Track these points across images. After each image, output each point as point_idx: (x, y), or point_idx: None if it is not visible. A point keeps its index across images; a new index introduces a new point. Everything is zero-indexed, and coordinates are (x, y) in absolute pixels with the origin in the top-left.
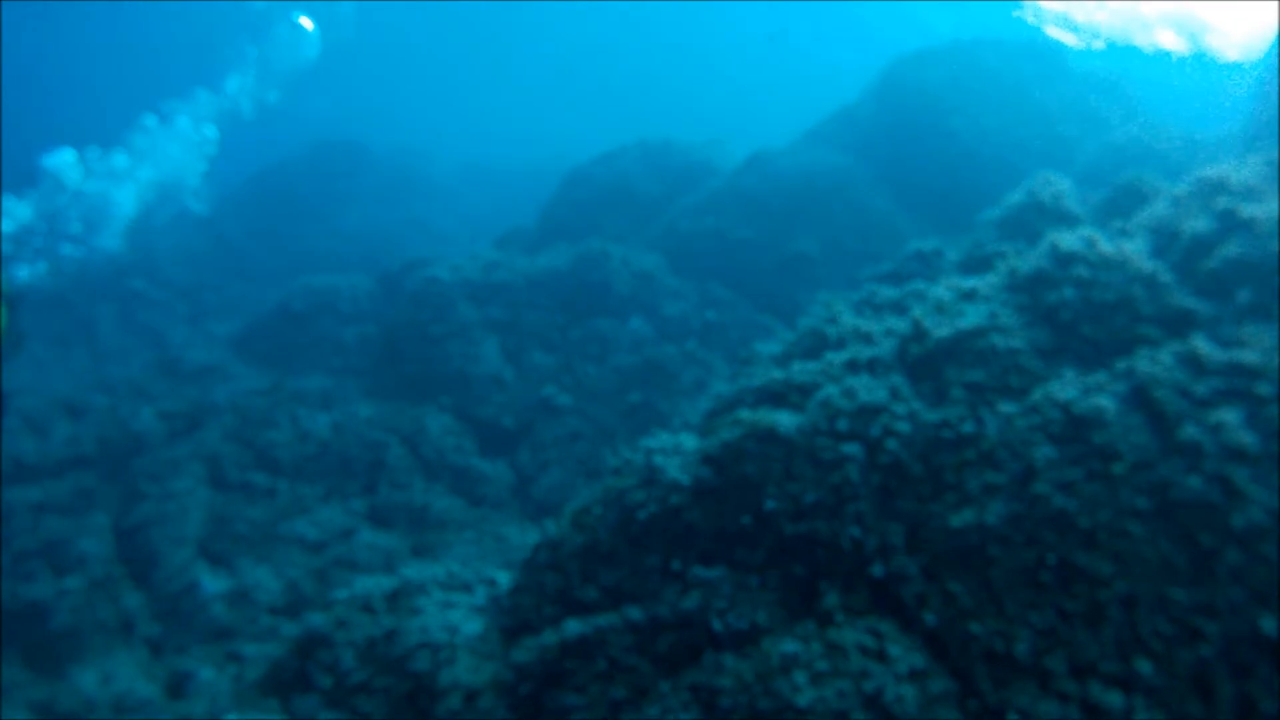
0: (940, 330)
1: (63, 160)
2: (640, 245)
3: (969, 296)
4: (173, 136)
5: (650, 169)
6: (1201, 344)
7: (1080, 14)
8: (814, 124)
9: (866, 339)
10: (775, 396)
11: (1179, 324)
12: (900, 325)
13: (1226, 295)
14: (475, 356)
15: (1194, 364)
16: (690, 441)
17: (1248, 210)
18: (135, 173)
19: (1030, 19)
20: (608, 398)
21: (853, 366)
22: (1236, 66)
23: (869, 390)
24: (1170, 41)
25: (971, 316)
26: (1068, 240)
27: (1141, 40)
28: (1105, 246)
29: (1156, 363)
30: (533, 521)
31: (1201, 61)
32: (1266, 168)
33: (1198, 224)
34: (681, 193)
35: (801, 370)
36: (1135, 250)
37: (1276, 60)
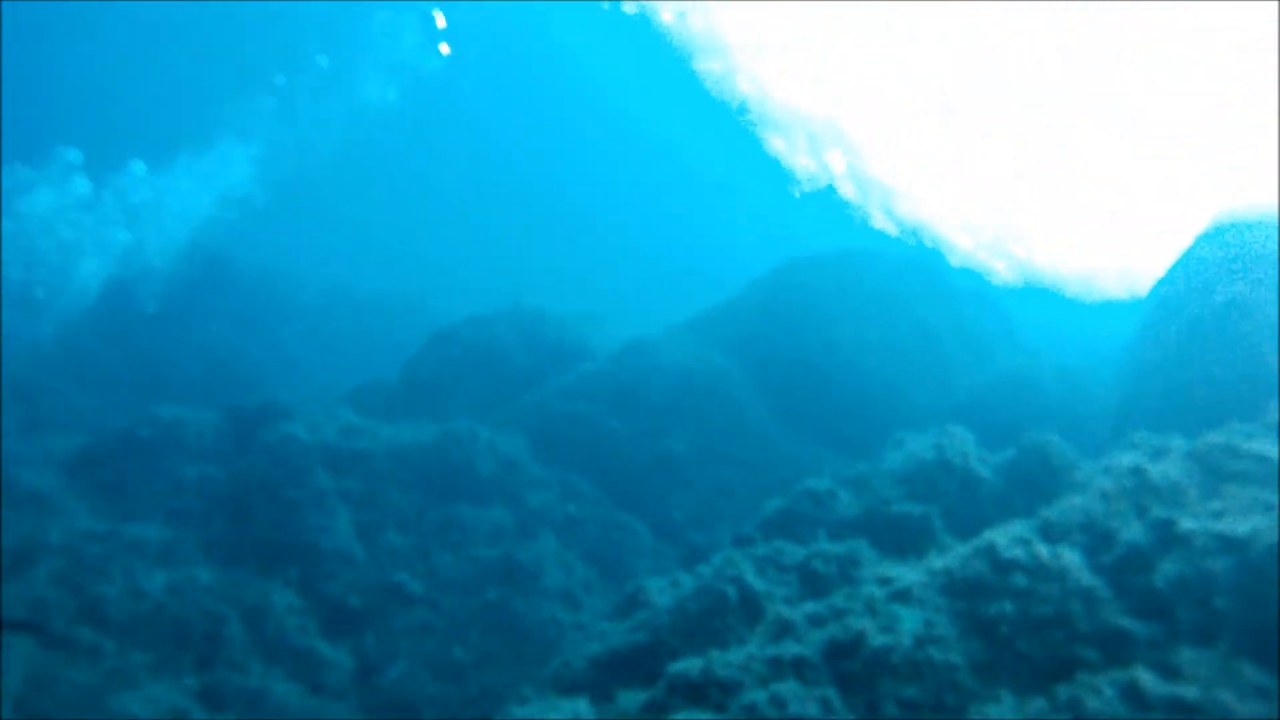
0: (875, 639)
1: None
2: (506, 421)
3: (901, 597)
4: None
5: (522, 338)
6: (1143, 675)
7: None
8: (695, 314)
9: (786, 628)
10: (694, 689)
11: (1118, 645)
12: (824, 612)
13: (1165, 615)
14: (328, 529)
15: (1136, 698)
16: (587, 712)
17: (1184, 524)
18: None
19: (917, 240)
20: (463, 590)
21: (777, 665)
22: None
23: (799, 701)
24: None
25: (907, 623)
26: (1006, 545)
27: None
28: (1043, 553)
29: (1098, 694)
30: None
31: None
32: (1187, 461)
33: (1132, 533)
34: (553, 367)
35: (723, 663)
36: (1072, 561)
37: (1159, 300)
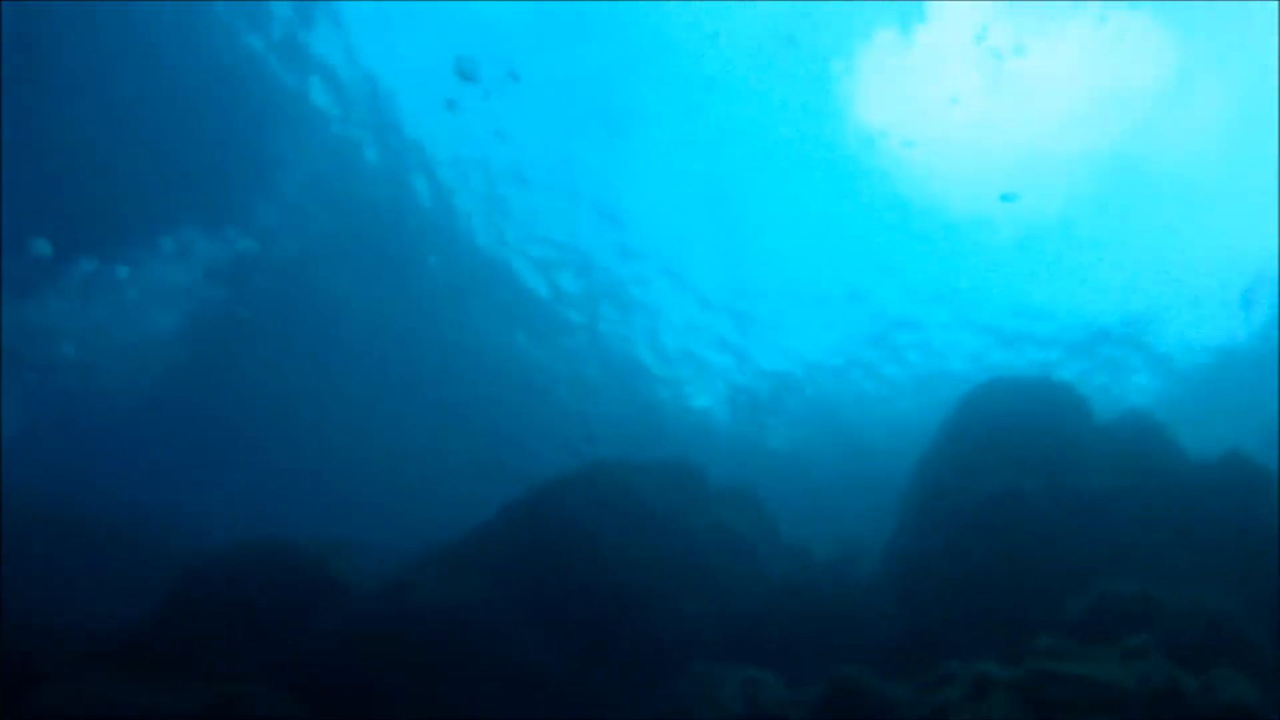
0: None
1: None
2: (271, 673)
3: None
4: None
5: (272, 576)
6: None
7: None
8: (450, 542)
9: None
10: None
11: None
12: None
13: None
14: None
15: None
16: None
17: None
18: None
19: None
20: None
21: None
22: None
23: None
24: None
25: None
26: None
27: None
28: None
29: None
30: None
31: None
32: (1011, 696)
33: None
34: (310, 607)
35: None
36: None
37: (921, 485)
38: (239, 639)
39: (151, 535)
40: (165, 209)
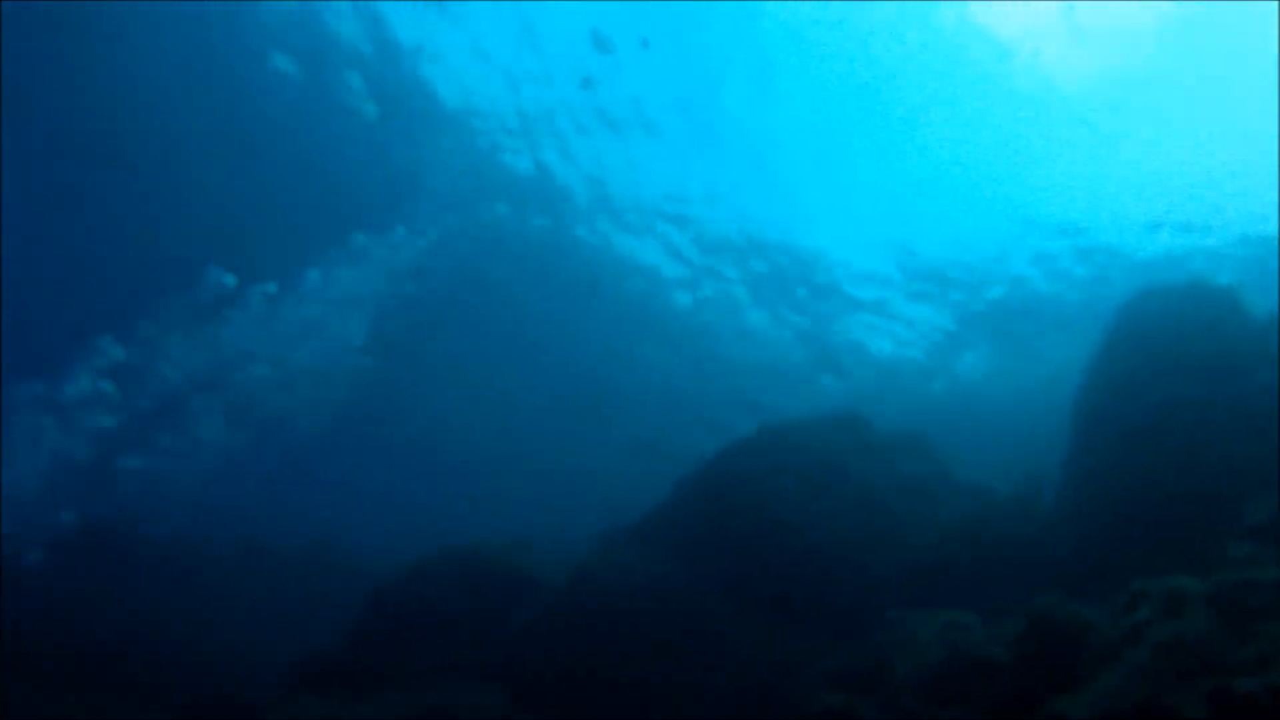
0: None
1: None
2: (476, 675)
3: None
4: None
5: (459, 583)
6: None
7: None
8: (634, 522)
9: None
10: None
11: None
12: None
13: None
14: None
15: None
16: None
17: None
18: None
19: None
20: None
21: None
22: None
23: None
24: None
25: None
26: None
27: None
28: None
29: None
30: None
31: None
32: (1209, 609)
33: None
34: (501, 608)
35: None
36: None
37: (1084, 402)
38: (439, 646)
39: (343, 554)
40: (335, 220)
